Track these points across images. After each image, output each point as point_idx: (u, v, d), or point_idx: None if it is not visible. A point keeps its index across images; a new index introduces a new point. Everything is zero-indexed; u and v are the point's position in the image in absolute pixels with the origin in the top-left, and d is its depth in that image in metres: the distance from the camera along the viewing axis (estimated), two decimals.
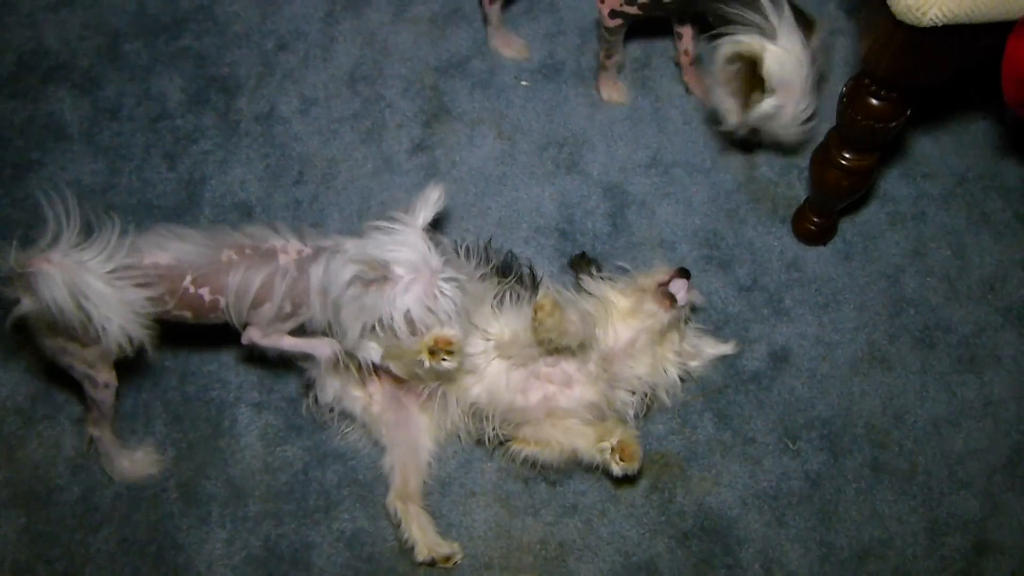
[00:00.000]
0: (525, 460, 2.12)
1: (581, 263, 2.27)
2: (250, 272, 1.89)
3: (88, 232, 1.79)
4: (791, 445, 2.26)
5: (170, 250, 1.89)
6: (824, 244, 2.46)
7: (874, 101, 1.97)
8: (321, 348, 2.03)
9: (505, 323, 2.05)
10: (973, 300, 2.41)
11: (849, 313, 2.39)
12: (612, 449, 2.00)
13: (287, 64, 2.68)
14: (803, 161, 2.48)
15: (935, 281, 2.43)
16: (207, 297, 1.92)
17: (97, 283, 1.76)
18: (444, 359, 1.88)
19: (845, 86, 2.04)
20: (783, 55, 2.12)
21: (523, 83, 2.64)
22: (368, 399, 2.19)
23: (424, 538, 2.11)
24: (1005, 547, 2.18)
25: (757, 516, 2.20)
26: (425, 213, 1.89)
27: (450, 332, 1.89)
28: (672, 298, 2.10)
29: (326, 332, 1.96)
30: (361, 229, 1.91)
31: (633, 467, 2.01)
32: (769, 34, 2.11)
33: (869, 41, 1.88)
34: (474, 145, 2.56)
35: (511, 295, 2.08)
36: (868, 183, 2.22)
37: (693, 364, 2.25)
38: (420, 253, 1.85)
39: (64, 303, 1.73)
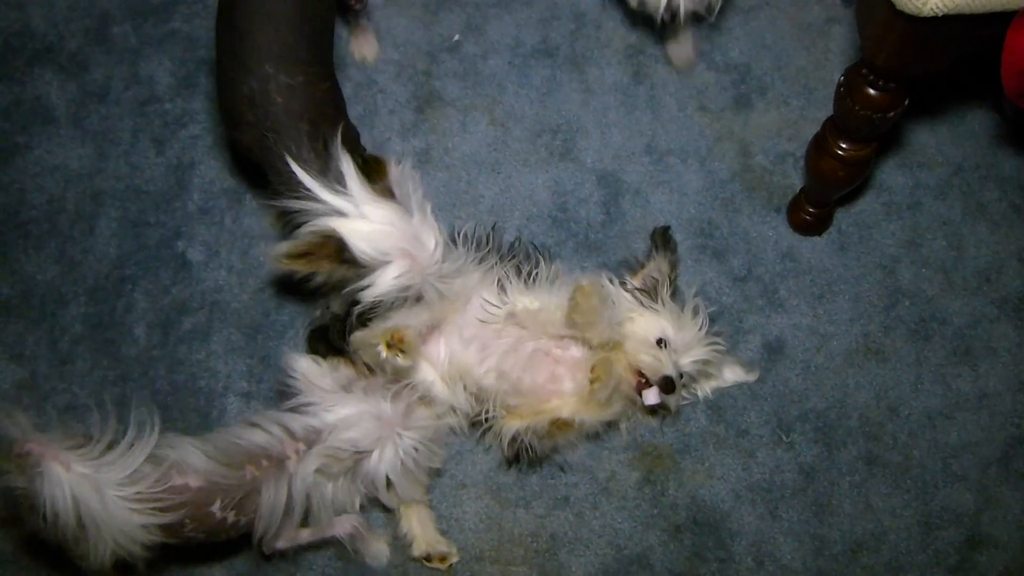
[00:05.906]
0: (514, 438, 2.03)
1: (661, 239, 2.21)
2: (278, 488, 1.84)
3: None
4: (785, 438, 2.24)
5: (201, 471, 1.79)
6: (819, 234, 2.43)
7: (872, 91, 1.94)
8: (342, 527, 2.03)
9: (534, 297, 2.03)
10: (969, 291, 2.40)
11: (844, 304, 2.37)
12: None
13: None
14: (799, 150, 2.45)
15: (931, 272, 2.41)
16: (230, 520, 1.84)
17: (106, 503, 1.67)
18: (397, 355, 1.84)
19: (843, 76, 2.01)
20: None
21: (456, 38, 2.62)
22: None
23: (424, 533, 2.10)
24: (999, 541, 2.17)
25: (750, 509, 2.19)
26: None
27: (405, 328, 1.84)
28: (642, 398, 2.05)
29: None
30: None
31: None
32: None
33: (868, 31, 1.86)
34: (467, 131, 2.53)
35: (536, 273, 2.06)
36: (865, 173, 2.20)
37: (711, 386, 2.23)
38: (366, 414, 1.89)
39: (64, 512, 1.64)
